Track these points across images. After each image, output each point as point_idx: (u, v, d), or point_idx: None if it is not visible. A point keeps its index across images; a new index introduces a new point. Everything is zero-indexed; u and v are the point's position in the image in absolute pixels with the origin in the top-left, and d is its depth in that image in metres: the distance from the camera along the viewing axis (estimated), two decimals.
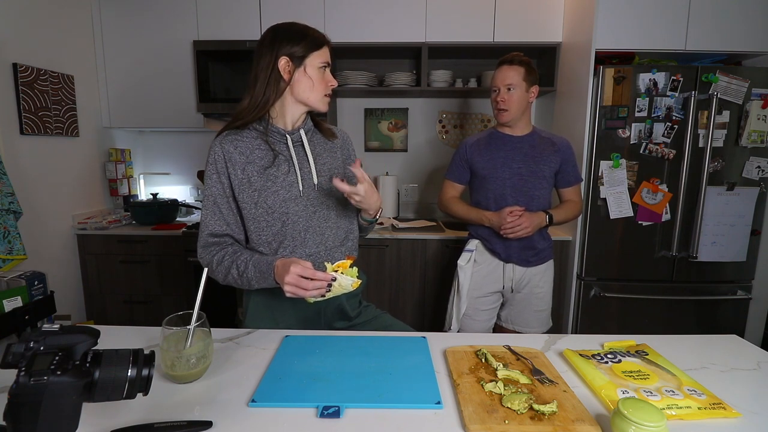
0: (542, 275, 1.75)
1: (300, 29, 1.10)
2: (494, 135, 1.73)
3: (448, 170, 1.83)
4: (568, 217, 1.72)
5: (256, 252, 1.11)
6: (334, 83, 1.15)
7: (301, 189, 1.11)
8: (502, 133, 1.71)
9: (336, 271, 0.94)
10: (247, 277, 1.03)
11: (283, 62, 1.07)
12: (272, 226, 1.10)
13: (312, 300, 0.96)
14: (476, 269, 1.75)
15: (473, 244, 1.77)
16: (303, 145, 1.14)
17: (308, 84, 1.09)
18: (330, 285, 0.92)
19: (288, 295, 0.93)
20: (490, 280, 1.75)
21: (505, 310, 1.80)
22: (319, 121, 1.22)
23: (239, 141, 1.10)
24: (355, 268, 0.98)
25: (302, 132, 1.13)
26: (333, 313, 1.18)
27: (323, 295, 0.94)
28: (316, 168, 1.13)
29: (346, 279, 0.93)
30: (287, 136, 1.11)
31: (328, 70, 1.13)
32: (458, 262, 1.75)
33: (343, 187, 1.01)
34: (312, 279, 0.91)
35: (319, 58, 1.10)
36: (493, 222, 1.65)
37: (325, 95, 1.13)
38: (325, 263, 0.96)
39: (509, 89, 1.60)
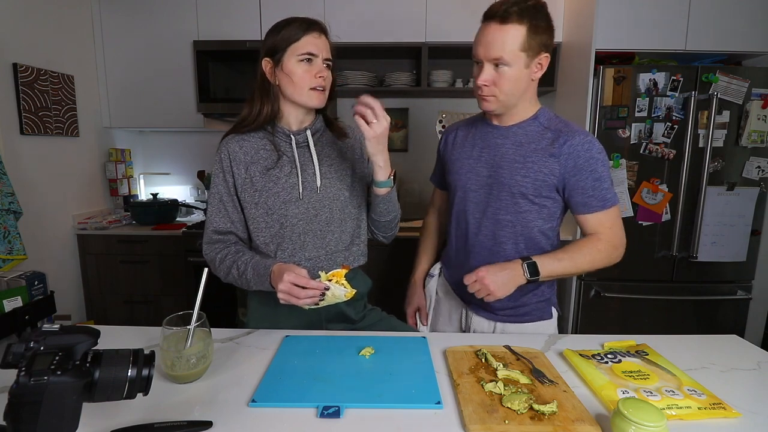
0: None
1: (279, 24, 1.03)
2: (476, 122, 1.18)
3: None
4: (581, 265, 1.02)
5: (257, 253, 1.10)
6: (323, 74, 1.03)
7: (300, 191, 1.09)
8: (485, 120, 1.14)
9: (330, 280, 0.94)
10: (246, 278, 1.03)
11: (264, 64, 1.04)
12: (270, 227, 1.09)
13: (306, 307, 0.96)
14: (436, 304, 1.27)
15: (437, 267, 1.30)
16: (309, 146, 1.11)
17: (288, 82, 1.03)
18: (323, 294, 0.92)
19: (281, 301, 0.93)
20: (449, 323, 1.25)
21: None
22: (332, 120, 1.18)
23: (245, 140, 1.10)
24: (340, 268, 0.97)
25: (308, 133, 1.11)
26: (334, 318, 1.15)
27: (317, 304, 0.94)
28: (320, 171, 1.11)
29: (339, 289, 0.93)
30: (292, 136, 1.10)
31: (316, 60, 1.02)
32: None
33: (361, 122, 0.95)
34: (305, 287, 0.91)
35: (296, 50, 1.01)
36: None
37: (311, 89, 1.03)
38: (320, 272, 0.96)
39: (498, 65, 0.97)
